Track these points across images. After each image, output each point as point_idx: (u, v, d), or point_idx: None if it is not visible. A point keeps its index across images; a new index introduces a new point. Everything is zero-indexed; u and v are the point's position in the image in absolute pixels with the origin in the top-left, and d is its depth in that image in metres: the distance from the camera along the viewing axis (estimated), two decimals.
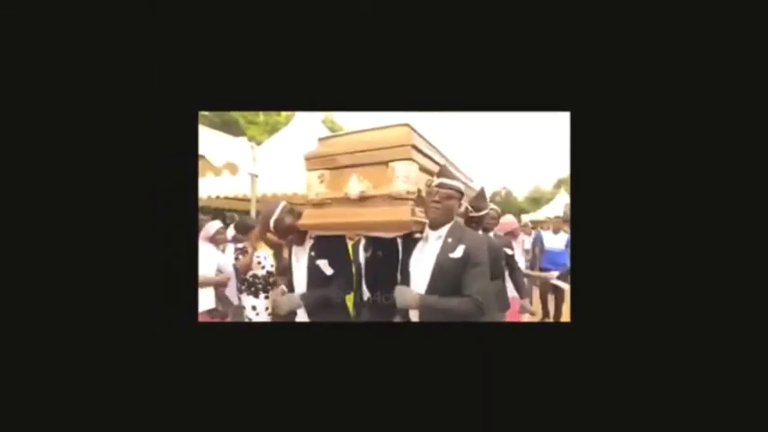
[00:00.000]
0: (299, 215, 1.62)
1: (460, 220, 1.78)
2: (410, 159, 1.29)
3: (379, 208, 1.36)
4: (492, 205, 2.53)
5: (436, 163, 1.45)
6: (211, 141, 2.90)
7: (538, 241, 4.23)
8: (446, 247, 1.26)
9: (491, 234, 2.41)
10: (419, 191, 1.29)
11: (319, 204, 1.55)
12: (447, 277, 1.21)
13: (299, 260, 1.68)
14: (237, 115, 11.69)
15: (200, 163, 2.95)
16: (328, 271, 1.59)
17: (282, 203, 1.70)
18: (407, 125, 1.36)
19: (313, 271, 1.61)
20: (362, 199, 1.40)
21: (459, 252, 1.24)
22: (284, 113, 12.01)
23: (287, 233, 1.67)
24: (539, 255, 4.16)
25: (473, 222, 2.02)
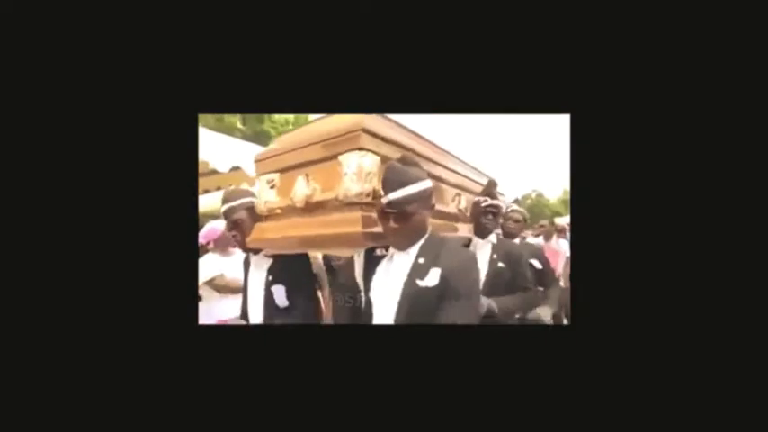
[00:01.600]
0: (255, 220, 1.30)
1: (445, 231, 1.40)
2: (361, 149, 0.96)
3: (328, 217, 1.03)
4: (515, 206, 2.13)
5: (405, 149, 1.09)
6: (246, 153, 3.06)
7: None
8: (415, 272, 0.90)
9: (516, 240, 2.00)
10: (374, 191, 0.94)
11: (268, 216, 1.24)
12: (415, 318, 0.90)
13: (255, 275, 1.38)
14: (268, 126, 11.98)
15: (237, 174, 3.15)
16: (282, 302, 1.27)
17: (250, 198, 1.36)
18: None
19: (268, 296, 1.30)
20: (309, 206, 1.07)
21: (432, 278, 0.88)
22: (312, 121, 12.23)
23: (231, 228, 1.35)
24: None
25: (490, 214, 1.51)
